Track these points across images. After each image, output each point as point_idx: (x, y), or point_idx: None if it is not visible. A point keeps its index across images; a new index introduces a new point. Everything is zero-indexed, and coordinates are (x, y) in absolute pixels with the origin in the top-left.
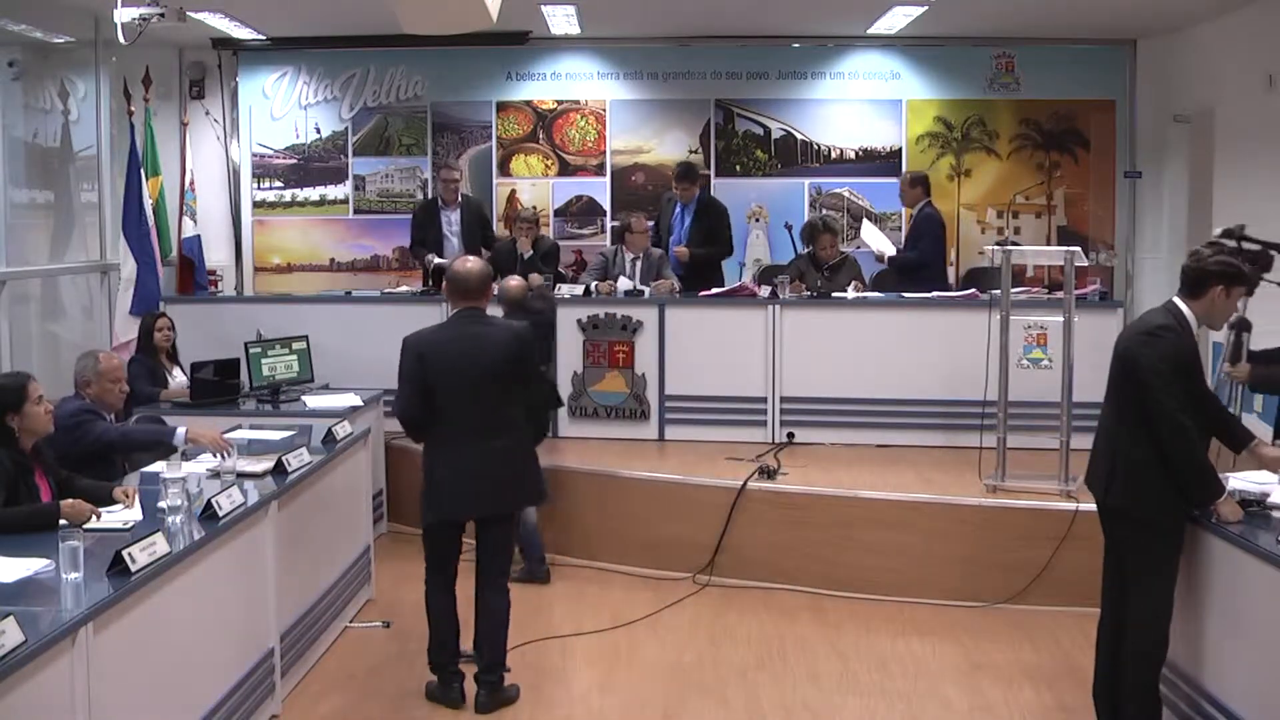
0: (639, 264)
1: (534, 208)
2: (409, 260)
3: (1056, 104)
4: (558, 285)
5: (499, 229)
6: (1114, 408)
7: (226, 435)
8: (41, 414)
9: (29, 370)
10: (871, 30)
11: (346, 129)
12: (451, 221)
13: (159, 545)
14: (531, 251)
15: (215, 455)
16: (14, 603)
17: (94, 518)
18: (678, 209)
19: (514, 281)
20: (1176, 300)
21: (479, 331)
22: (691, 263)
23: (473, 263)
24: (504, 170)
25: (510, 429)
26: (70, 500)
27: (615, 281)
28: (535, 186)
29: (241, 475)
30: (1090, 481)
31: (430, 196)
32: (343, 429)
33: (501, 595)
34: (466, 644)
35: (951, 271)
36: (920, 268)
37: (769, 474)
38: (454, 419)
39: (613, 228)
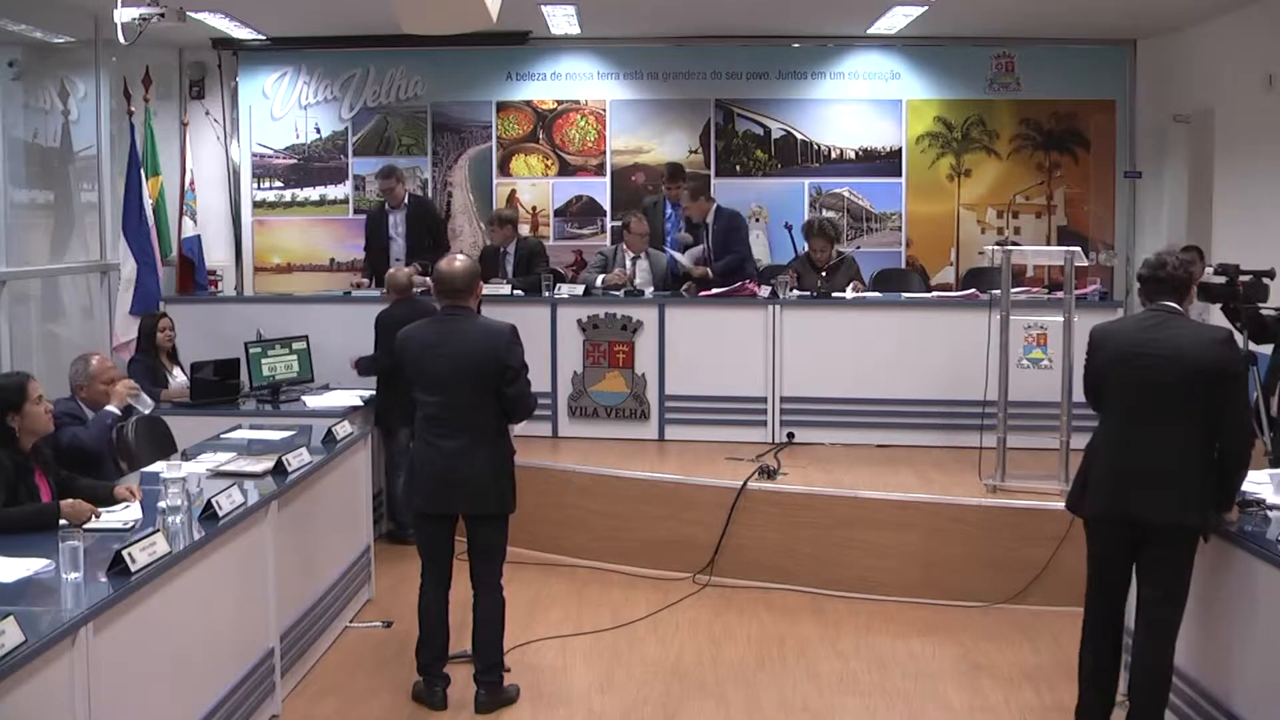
0: (639, 263)
1: (533, 208)
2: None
3: (1056, 104)
4: (558, 285)
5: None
6: (1181, 418)
7: (225, 435)
8: (41, 414)
9: (29, 370)
10: (871, 30)
11: (346, 129)
12: (396, 223)
13: (159, 545)
14: (512, 254)
15: (124, 404)
16: (14, 603)
17: (94, 517)
18: (669, 210)
19: (405, 271)
20: (1173, 304)
21: (460, 330)
22: (716, 277)
23: (459, 261)
24: (504, 170)
25: (477, 430)
26: (70, 500)
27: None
28: (535, 186)
29: (240, 475)
30: (1145, 502)
31: (381, 200)
32: (343, 429)
33: (493, 595)
34: (465, 645)
35: (951, 271)
36: (743, 265)
37: (769, 474)
38: (428, 414)
39: (613, 228)
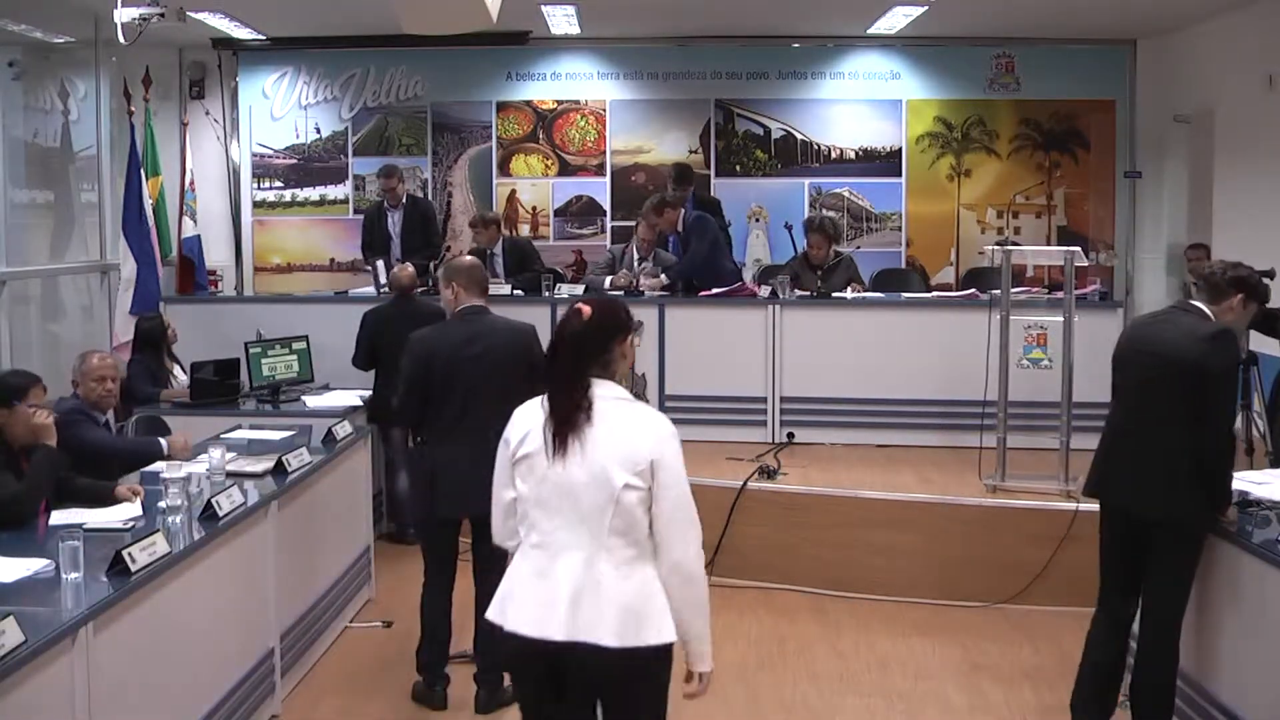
0: (647, 265)
1: (533, 208)
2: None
3: (1056, 104)
4: (558, 285)
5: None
6: (1164, 415)
7: (225, 435)
8: (24, 419)
9: (28, 370)
10: (871, 30)
11: (346, 129)
12: (395, 223)
13: (159, 545)
14: (500, 255)
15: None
16: (14, 603)
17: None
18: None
19: (408, 270)
20: (1200, 304)
21: (482, 330)
22: (682, 283)
23: (465, 257)
24: (504, 170)
25: (500, 429)
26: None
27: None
28: (535, 186)
29: (240, 475)
30: (1128, 494)
31: (380, 200)
32: (343, 429)
33: None
34: (465, 645)
35: (951, 271)
36: (714, 267)
37: (769, 474)
38: (453, 417)
39: (613, 228)
